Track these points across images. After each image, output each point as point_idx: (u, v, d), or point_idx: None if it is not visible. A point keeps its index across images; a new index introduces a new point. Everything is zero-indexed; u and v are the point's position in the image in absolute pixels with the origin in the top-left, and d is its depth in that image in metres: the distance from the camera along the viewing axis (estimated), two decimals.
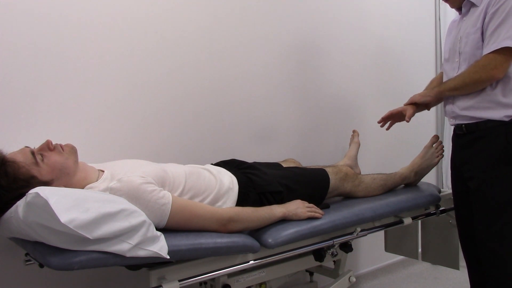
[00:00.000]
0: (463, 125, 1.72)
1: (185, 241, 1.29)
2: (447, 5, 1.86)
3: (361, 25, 2.56)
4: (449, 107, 1.80)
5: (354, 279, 1.78)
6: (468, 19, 1.71)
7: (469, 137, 1.70)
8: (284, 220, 1.54)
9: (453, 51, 1.77)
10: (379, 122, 1.97)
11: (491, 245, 1.64)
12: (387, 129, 1.97)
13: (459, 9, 1.79)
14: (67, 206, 1.06)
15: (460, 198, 1.81)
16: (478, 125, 1.66)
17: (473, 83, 1.63)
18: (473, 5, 1.69)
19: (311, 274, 2.06)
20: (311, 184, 1.73)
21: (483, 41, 1.63)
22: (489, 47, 1.58)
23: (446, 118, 1.93)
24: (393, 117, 1.93)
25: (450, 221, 2.09)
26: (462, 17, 1.75)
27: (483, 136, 1.65)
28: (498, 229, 1.63)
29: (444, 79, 1.86)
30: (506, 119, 1.59)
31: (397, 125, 2.15)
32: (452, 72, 1.77)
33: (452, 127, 1.86)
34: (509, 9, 1.54)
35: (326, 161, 2.31)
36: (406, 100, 2.19)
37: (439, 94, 1.79)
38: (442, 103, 1.92)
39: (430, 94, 1.82)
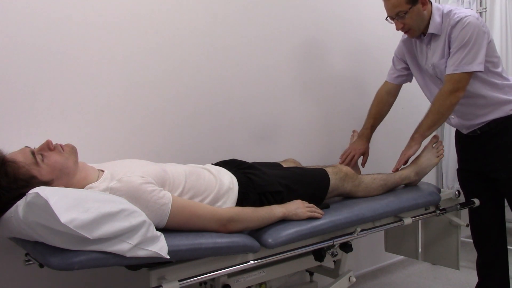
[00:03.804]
0: (477, 129, 1.91)
1: (185, 241, 1.29)
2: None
3: (361, 23, 2.56)
4: (455, 121, 1.98)
5: (354, 279, 1.78)
6: (433, 48, 1.88)
7: (484, 136, 1.89)
8: (284, 220, 1.54)
9: (431, 77, 1.96)
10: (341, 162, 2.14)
11: None
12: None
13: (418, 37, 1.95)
14: (67, 206, 1.06)
15: (478, 189, 2.02)
16: (489, 125, 1.86)
17: (447, 110, 1.82)
18: (433, 35, 1.86)
19: (311, 274, 2.06)
20: (311, 184, 1.73)
21: None
22: (448, 69, 1.79)
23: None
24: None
25: (450, 221, 2.09)
26: (426, 45, 1.91)
27: (496, 133, 1.85)
28: None
29: (430, 96, 2.02)
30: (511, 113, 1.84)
31: (397, 125, 2.16)
32: None
33: (454, 128, 1.95)
34: (468, 38, 1.74)
35: (326, 161, 2.31)
36: (407, 99, 2.21)
37: (423, 138, 1.92)
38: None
39: (416, 144, 1.93)
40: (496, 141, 1.87)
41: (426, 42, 1.89)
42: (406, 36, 2.02)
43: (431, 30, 1.84)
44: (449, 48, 1.80)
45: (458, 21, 1.76)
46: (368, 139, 2.17)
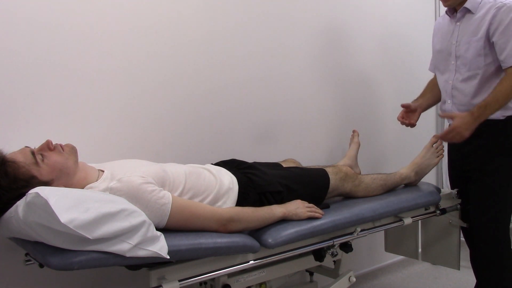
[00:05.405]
0: None
1: (185, 241, 1.29)
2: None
3: (361, 26, 2.56)
4: (449, 107, 1.92)
5: (354, 279, 1.78)
6: (464, 25, 1.86)
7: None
8: (284, 220, 1.54)
9: (447, 54, 1.92)
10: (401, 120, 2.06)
11: (486, 227, 1.85)
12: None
13: (450, 10, 1.92)
14: (67, 206, 1.06)
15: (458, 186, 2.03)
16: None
17: None
18: (468, 11, 1.84)
19: (311, 274, 2.06)
20: (311, 184, 1.73)
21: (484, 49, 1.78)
22: None
23: (446, 119, 1.99)
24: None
25: (450, 221, 2.09)
26: (456, 22, 1.90)
27: (482, 133, 1.78)
28: (493, 214, 1.84)
29: (439, 79, 2.00)
30: (502, 118, 1.80)
31: (397, 125, 2.15)
32: (449, 74, 1.91)
33: None
34: None
35: (326, 161, 2.32)
36: (407, 99, 2.21)
37: (481, 119, 1.75)
38: (439, 105, 2.03)
39: (472, 127, 1.74)
40: (479, 141, 1.83)
41: (458, 17, 1.89)
42: (439, 19, 2.05)
43: (467, 5, 1.83)
44: (487, 30, 1.76)
45: (505, 3, 1.75)
46: (416, 106, 2.06)
